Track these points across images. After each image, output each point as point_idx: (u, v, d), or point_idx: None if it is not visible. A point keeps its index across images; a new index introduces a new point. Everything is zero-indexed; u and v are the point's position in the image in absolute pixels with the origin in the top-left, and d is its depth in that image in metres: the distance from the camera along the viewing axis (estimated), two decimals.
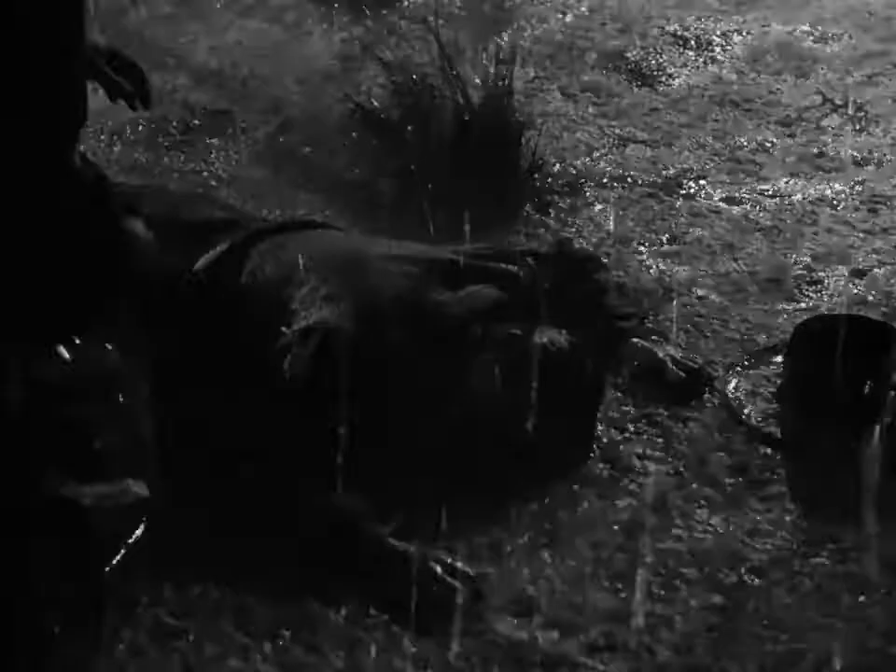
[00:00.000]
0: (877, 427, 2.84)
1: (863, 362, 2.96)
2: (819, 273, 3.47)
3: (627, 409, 3.03)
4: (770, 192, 3.86)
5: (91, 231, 2.31)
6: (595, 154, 4.08)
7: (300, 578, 2.49)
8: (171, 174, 3.94)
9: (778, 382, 3.08)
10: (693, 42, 4.72)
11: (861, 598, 2.51)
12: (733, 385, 3.09)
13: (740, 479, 2.83)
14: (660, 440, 2.95)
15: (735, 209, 3.79)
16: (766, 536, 2.68)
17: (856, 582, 2.55)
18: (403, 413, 2.69)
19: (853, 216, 3.75)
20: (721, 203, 3.81)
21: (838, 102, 4.32)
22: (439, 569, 2.51)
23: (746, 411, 3.01)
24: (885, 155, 4.05)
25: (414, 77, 3.99)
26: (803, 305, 3.37)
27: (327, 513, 2.55)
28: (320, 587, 2.49)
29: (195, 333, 2.77)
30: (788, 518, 2.73)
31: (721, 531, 2.69)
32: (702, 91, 4.43)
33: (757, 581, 2.57)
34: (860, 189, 3.87)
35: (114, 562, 2.42)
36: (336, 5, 4.97)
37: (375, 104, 4.11)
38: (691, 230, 3.68)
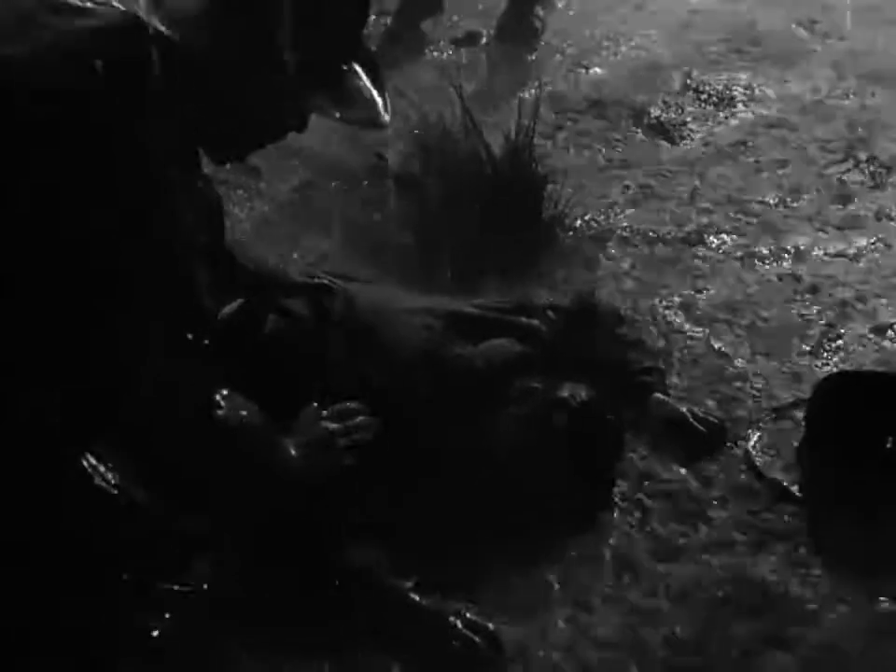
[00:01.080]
0: None
1: (886, 418, 2.96)
2: (841, 329, 3.47)
3: (648, 463, 3.03)
4: (791, 248, 3.85)
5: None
6: (617, 208, 4.09)
7: (321, 631, 2.49)
8: None
9: (800, 438, 3.07)
10: (714, 97, 4.74)
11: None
12: (754, 440, 3.08)
13: (762, 533, 2.83)
14: (681, 494, 2.94)
15: (757, 264, 3.78)
16: (788, 588, 2.70)
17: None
18: (426, 466, 2.69)
19: (874, 272, 3.74)
20: (741, 258, 3.81)
21: (860, 157, 4.33)
22: (460, 624, 2.51)
23: (767, 466, 3.01)
24: None
25: (437, 130, 4.01)
26: (824, 361, 3.36)
27: (350, 569, 2.55)
28: (341, 641, 2.49)
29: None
30: (805, 571, 2.74)
31: (743, 587, 2.68)
32: (723, 147, 4.44)
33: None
34: (881, 245, 3.87)
35: None
36: None
37: (398, 157, 4.13)
38: (711, 284, 3.68)
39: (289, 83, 2.34)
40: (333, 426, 2.67)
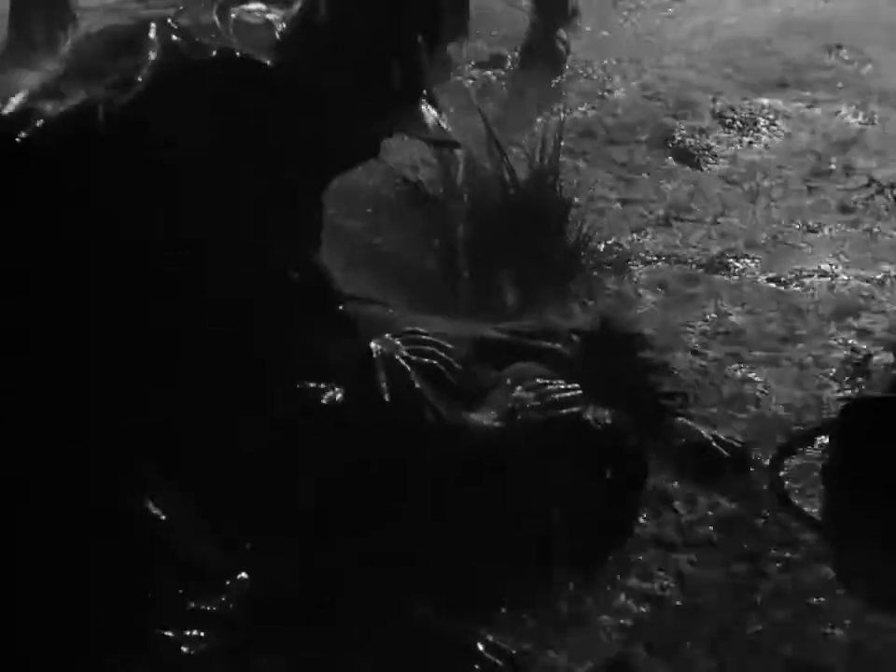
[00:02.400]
0: None
1: None
2: (865, 355, 3.46)
3: (671, 487, 3.02)
4: (816, 273, 3.85)
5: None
6: (641, 232, 4.09)
7: (342, 654, 2.49)
8: None
9: (824, 463, 3.06)
10: (738, 122, 4.74)
11: None
12: (778, 465, 3.07)
13: (786, 560, 2.82)
14: (704, 519, 2.93)
15: (781, 289, 3.78)
16: (810, 617, 2.68)
17: None
18: (447, 489, 2.69)
19: None
20: (766, 284, 3.80)
21: (885, 184, 4.32)
22: (480, 647, 2.51)
23: (791, 491, 3.00)
24: None
25: (461, 153, 4.01)
26: (848, 387, 3.35)
27: (370, 590, 2.55)
28: (361, 664, 2.49)
29: None
30: (829, 601, 2.73)
31: (768, 615, 2.67)
32: (747, 171, 4.44)
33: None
34: None
35: None
36: None
37: (422, 179, 4.14)
38: (735, 309, 3.68)
39: (377, 107, 2.38)
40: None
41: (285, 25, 2.49)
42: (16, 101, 2.38)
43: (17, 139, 2.32)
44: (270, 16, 2.50)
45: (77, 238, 2.30)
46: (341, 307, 2.64)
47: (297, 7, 2.52)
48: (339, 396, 2.53)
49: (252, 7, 2.52)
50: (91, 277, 2.30)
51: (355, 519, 2.56)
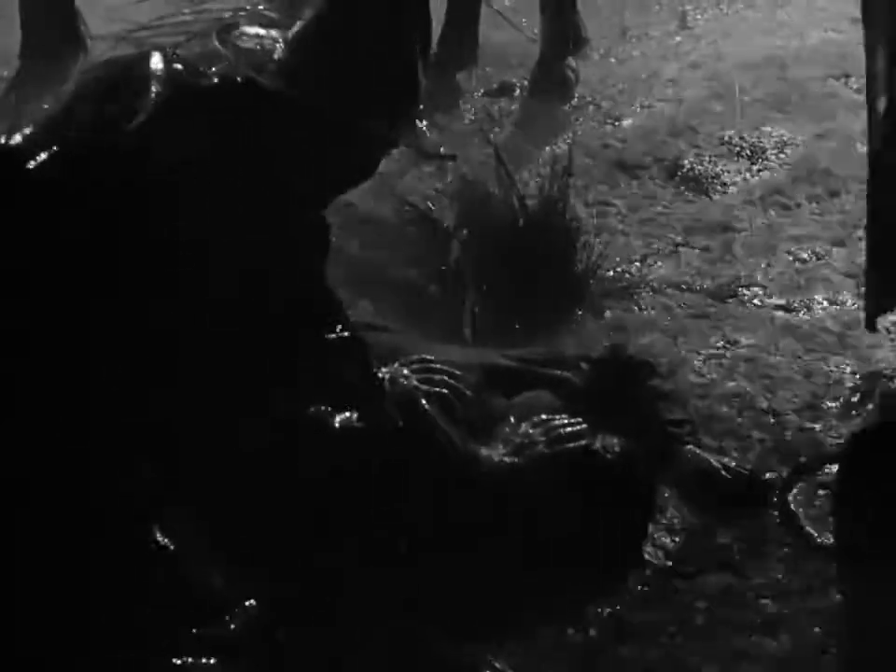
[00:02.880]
0: None
1: None
2: (875, 384, 3.45)
3: (679, 515, 3.02)
4: (826, 301, 3.85)
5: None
6: (650, 260, 4.09)
7: None
8: None
9: (834, 490, 3.05)
10: (747, 150, 4.74)
11: None
12: (787, 492, 3.07)
13: (796, 587, 2.81)
14: (713, 547, 2.93)
15: (790, 317, 3.78)
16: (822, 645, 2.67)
17: None
18: (455, 519, 2.69)
19: None
20: (775, 311, 3.80)
21: None
22: None
23: (801, 518, 2.99)
24: None
25: (470, 180, 4.02)
26: (858, 414, 3.35)
27: (382, 616, 2.55)
28: None
29: None
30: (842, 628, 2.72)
31: (777, 640, 2.67)
32: (756, 200, 4.44)
33: None
34: None
35: None
36: None
37: (431, 206, 4.15)
38: (744, 337, 3.68)
39: (374, 121, 2.42)
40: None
41: (284, 46, 2.53)
42: (22, 131, 2.43)
43: (23, 169, 2.36)
44: (267, 39, 2.54)
45: (80, 261, 2.34)
46: (349, 330, 2.64)
47: (296, 29, 2.57)
48: (351, 413, 2.54)
49: (251, 30, 2.57)
50: (96, 283, 2.35)
51: (363, 544, 2.57)
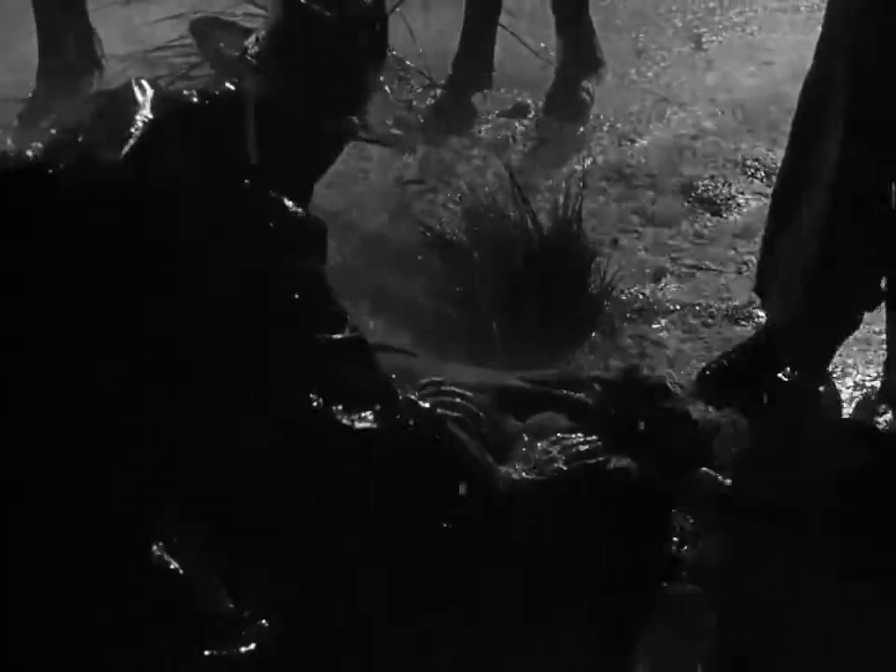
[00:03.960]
0: None
1: None
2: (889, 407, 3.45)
3: (695, 536, 3.01)
4: None
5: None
6: (664, 281, 4.09)
7: None
8: None
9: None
10: (762, 172, 4.74)
11: None
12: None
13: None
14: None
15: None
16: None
17: None
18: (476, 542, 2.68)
19: None
20: None
21: None
22: None
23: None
24: None
25: (485, 202, 4.03)
26: (874, 430, 3.34)
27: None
28: None
29: None
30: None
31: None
32: None
33: None
34: None
35: None
36: (409, 130, 5.04)
37: (446, 228, 4.15)
38: None
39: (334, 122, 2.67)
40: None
41: (254, 50, 2.69)
42: (31, 155, 2.49)
43: (32, 191, 2.44)
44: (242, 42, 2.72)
45: (83, 264, 2.40)
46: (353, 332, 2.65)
47: (262, 32, 2.71)
48: (369, 424, 2.54)
49: (229, 37, 2.72)
50: (97, 284, 2.41)
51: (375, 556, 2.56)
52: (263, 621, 2.40)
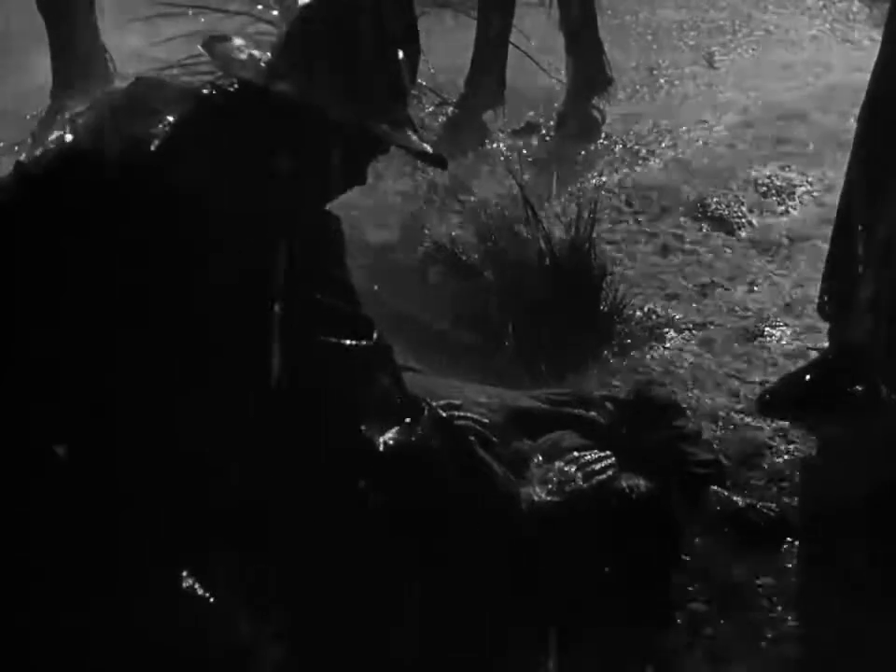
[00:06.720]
0: None
1: None
2: None
3: (707, 555, 3.00)
4: None
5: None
6: (676, 299, 4.09)
7: None
8: None
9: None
10: (774, 190, 4.74)
11: None
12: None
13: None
14: (740, 588, 2.91)
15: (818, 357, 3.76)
16: None
17: None
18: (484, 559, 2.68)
19: None
20: (803, 350, 3.79)
21: None
22: None
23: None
24: None
25: (496, 220, 4.03)
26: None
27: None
28: None
29: None
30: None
31: None
32: (783, 238, 4.44)
33: None
34: None
35: None
36: None
37: (457, 246, 4.15)
38: (770, 377, 3.67)
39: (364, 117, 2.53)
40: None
41: (273, 55, 2.60)
42: (49, 157, 2.48)
43: (54, 193, 2.41)
44: (256, 51, 2.63)
45: (110, 294, 2.36)
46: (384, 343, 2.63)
47: (282, 38, 2.62)
48: (399, 440, 2.52)
49: (237, 43, 2.65)
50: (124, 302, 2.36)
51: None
52: (286, 646, 2.39)
